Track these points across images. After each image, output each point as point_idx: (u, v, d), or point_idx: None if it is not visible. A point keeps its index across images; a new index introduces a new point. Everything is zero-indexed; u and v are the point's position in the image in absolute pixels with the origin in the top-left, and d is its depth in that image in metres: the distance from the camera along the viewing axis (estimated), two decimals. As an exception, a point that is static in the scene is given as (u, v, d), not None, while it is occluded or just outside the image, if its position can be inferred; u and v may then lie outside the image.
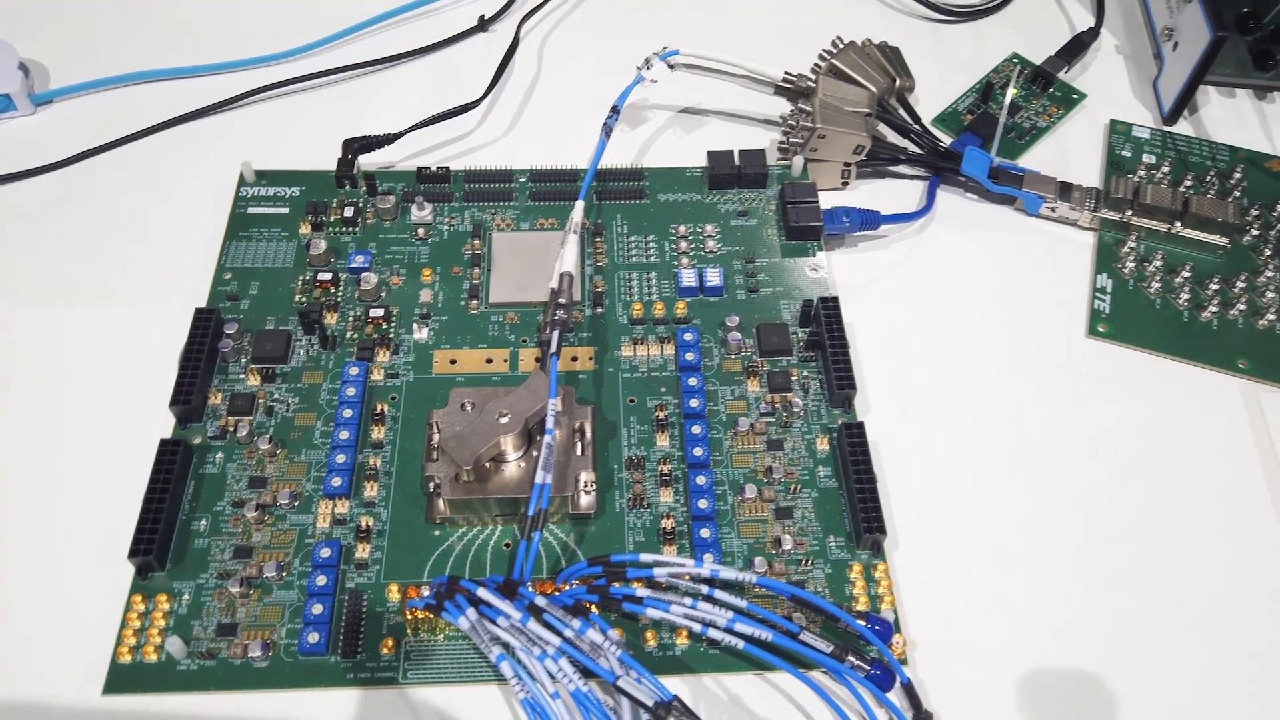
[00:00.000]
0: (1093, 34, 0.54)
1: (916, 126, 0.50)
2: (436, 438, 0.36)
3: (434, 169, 0.47)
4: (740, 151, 0.47)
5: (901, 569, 0.37)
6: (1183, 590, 0.37)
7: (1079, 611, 0.36)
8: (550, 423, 0.35)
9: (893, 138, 0.50)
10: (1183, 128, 0.51)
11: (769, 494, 0.38)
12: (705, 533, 0.36)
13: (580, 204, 0.43)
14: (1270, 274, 0.45)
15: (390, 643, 0.34)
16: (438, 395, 0.40)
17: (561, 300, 0.39)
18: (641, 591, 0.32)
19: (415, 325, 0.42)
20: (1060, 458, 0.40)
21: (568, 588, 0.33)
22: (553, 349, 0.37)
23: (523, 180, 0.47)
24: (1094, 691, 0.35)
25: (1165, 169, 0.49)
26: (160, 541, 0.35)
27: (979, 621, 0.36)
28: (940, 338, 0.44)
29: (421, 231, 0.45)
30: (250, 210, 0.45)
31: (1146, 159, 0.49)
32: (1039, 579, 0.37)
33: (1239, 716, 0.34)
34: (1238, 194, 0.48)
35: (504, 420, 0.36)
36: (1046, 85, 0.52)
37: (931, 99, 0.53)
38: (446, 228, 0.45)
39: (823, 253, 0.45)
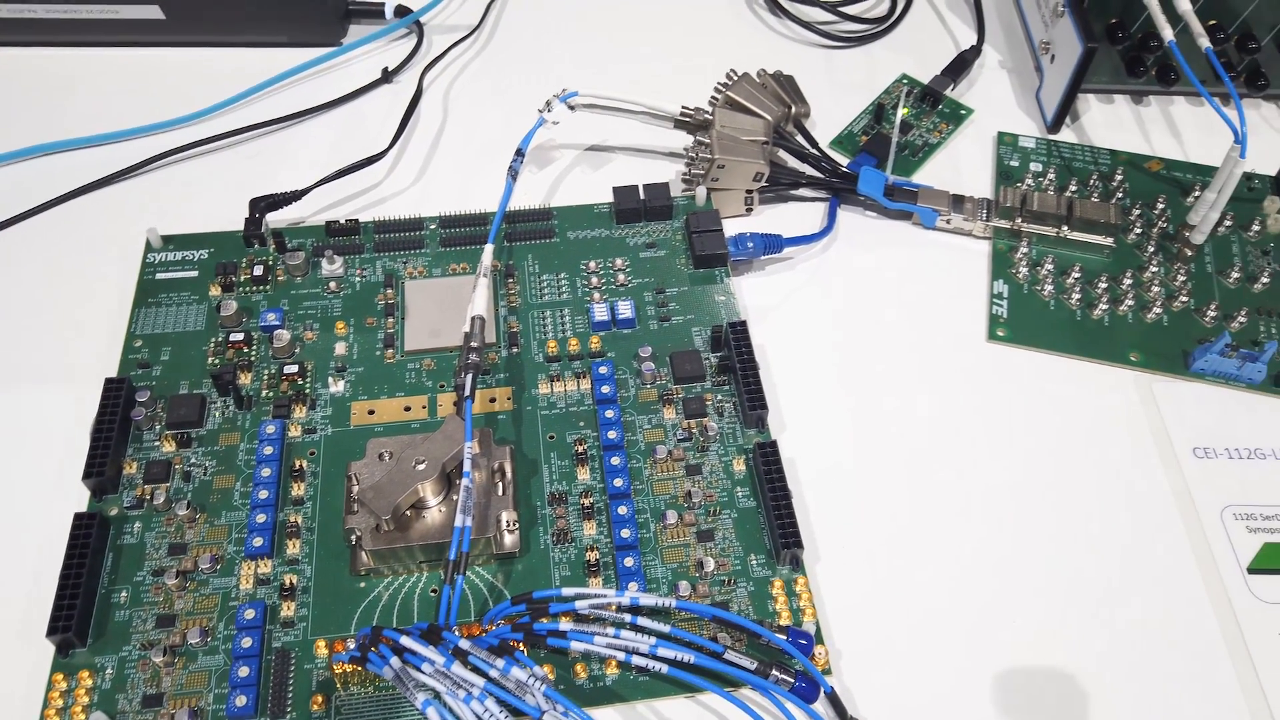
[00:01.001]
0: (975, 51, 0.56)
1: (814, 151, 0.51)
2: (355, 490, 0.37)
3: (343, 222, 0.47)
4: (644, 185, 0.48)
5: (825, 580, 0.38)
6: (1093, 578, 0.38)
7: (996, 608, 0.38)
8: (467, 466, 0.35)
9: (793, 163, 0.52)
10: (1066, 135, 0.54)
11: (690, 518, 0.39)
12: (629, 561, 0.37)
13: (489, 247, 0.44)
14: (1154, 269, 0.47)
15: (320, 699, 0.34)
16: (357, 447, 0.40)
17: (474, 344, 0.39)
18: (565, 625, 0.33)
19: (331, 379, 0.42)
20: (969, 459, 0.42)
21: (494, 628, 0.34)
22: (466, 393, 0.38)
23: (432, 227, 0.48)
24: (1016, 688, 0.36)
25: (1051, 176, 0.51)
26: (79, 617, 0.35)
27: (901, 625, 0.37)
28: (849, 352, 0.45)
29: (333, 285, 0.45)
30: (159, 276, 0.45)
31: (1033, 167, 0.52)
32: (956, 579, 0.38)
33: (1156, 695, 0.36)
34: (1120, 195, 0.50)
35: (421, 467, 0.36)
36: (935, 103, 0.54)
37: (828, 123, 0.54)
38: (358, 279, 0.46)
39: (731, 278, 0.46)
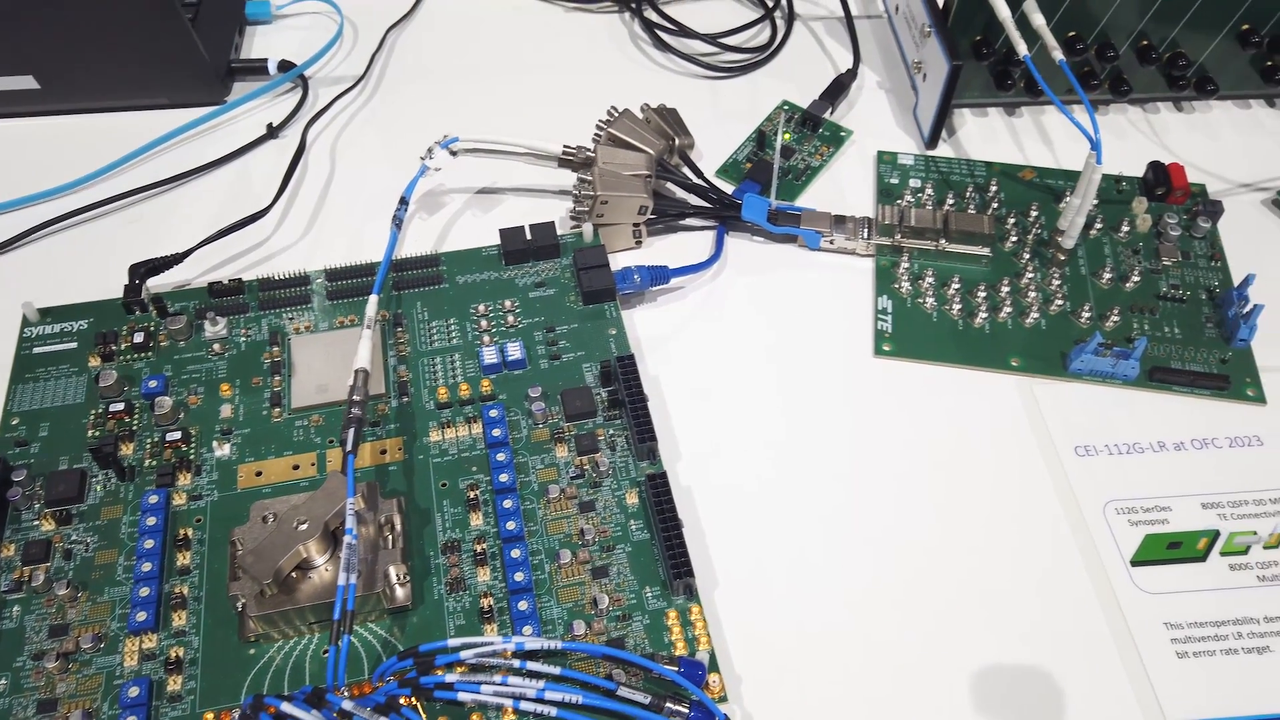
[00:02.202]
0: (851, 75, 0.58)
1: (700, 181, 0.52)
2: (237, 556, 0.36)
3: (226, 282, 0.47)
4: (531, 226, 0.48)
5: (725, 606, 0.39)
6: (985, 581, 0.39)
7: (892, 617, 0.38)
8: (350, 522, 0.35)
9: (680, 194, 0.52)
10: (943, 150, 0.55)
11: (584, 555, 0.39)
12: (523, 605, 0.37)
13: (374, 298, 0.43)
14: (1030, 275, 0.48)
15: (209, 774, 0.33)
16: (245, 511, 0.39)
17: (356, 397, 0.39)
18: (451, 677, 0.32)
19: (216, 443, 0.42)
20: (861, 474, 0.42)
21: (383, 685, 0.33)
22: (348, 447, 0.37)
23: (319, 281, 0.47)
24: (914, 693, 0.36)
25: (929, 191, 0.52)
26: (-47, 711, 0.34)
27: (800, 643, 0.38)
28: (741, 376, 0.46)
29: (217, 347, 0.45)
30: (35, 350, 0.44)
31: (912, 183, 0.53)
32: (853, 591, 0.39)
33: (1048, 690, 0.36)
34: (995, 205, 0.51)
35: (303, 528, 0.35)
36: (816, 126, 0.56)
37: (714, 152, 0.55)
38: (243, 339, 0.45)
39: (621, 312, 0.46)
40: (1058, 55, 0.47)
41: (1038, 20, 0.49)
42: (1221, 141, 0.56)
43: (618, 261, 0.50)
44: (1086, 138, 0.44)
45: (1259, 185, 0.53)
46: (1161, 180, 0.51)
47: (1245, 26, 0.54)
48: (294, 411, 0.43)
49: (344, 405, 0.42)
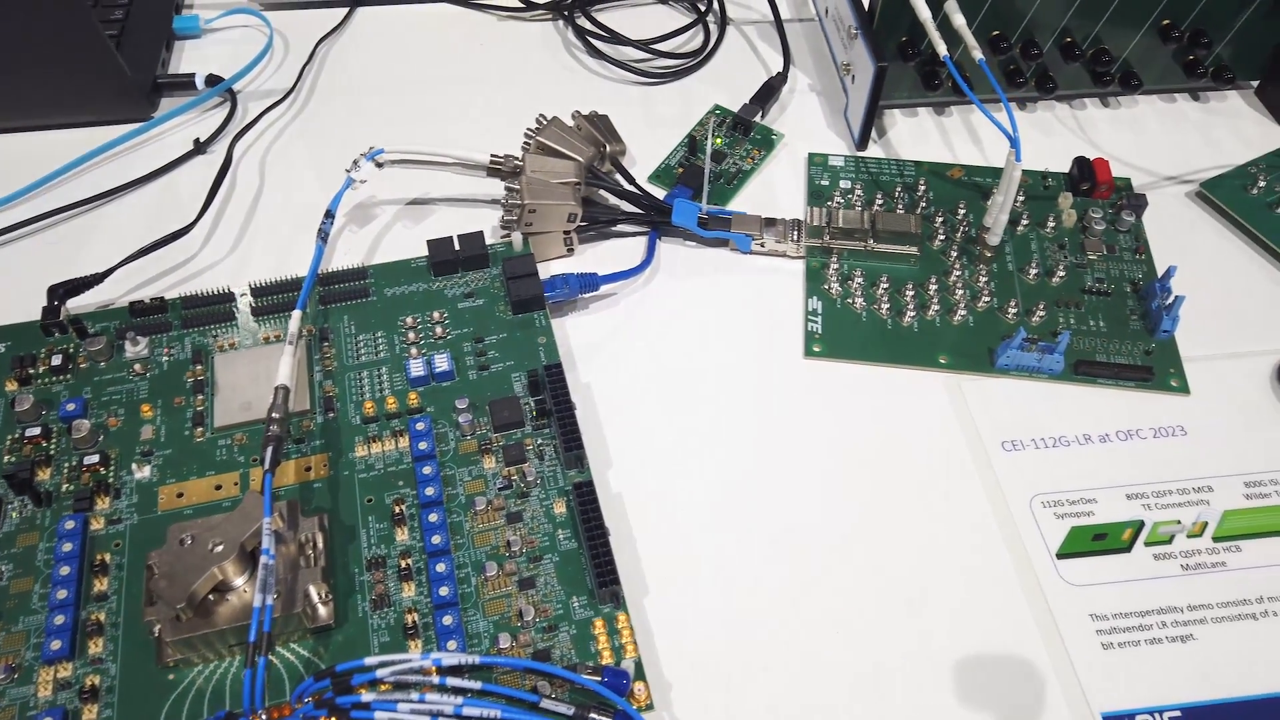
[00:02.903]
0: (782, 78, 0.58)
1: (631, 187, 0.52)
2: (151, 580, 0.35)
3: (148, 301, 0.46)
4: (459, 236, 0.48)
5: (654, 612, 0.39)
6: (915, 578, 0.39)
7: (825, 616, 0.38)
8: (266, 542, 0.35)
9: (613, 200, 0.52)
10: (874, 150, 0.56)
11: (511, 567, 0.38)
12: (448, 620, 0.36)
13: (297, 314, 0.43)
14: (958, 273, 0.48)
15: (124, 804, 0.32)
16: (165, 534, 0.39)
17: (275, 415, 0.39)
18: (368, 696, 0.32)
19: (136, 465, 0.41)
20: (792, 475, 0.42)
21: (300, 706, 0.33)
22: (266, 466, 0.37)
23: (244, 298, 0.47)
24: (846, 690, 0.36)
25: (859, 191, 0.52)
26: None
27: (732, 649, 0.37)
28: (674, 381, 0.46)
29: (139, 367, 0.44)
30: (-50, 376, 0.43)
31: (843, 184, 0.53)
32: (784, 591, 0.39)
33: (978, 683, 0.36)
34: (924, 204, 0.52)
35: (218, 549, 0.35)
36: (747, 130, 0.56)
37: (647, 157, 0.55)
38: (166, 359, 0.44)
39: (550, 320, 0.46)
40: (978, 55, 0.48)
41: (958, 20, 0.49)
42: (1147, 135, 0.56)
43: (549, 269, 0.50)
44: (1006, 136, 0.45)
45: (1183, 178, 0.54)
46: (1087, 175, 0.52)
47: (1165, 22, 0.54)
48: (217, 430, 0.42)
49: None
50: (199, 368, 0.44)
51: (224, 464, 0.41)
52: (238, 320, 0.46)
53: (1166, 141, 0.56)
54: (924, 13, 0.49)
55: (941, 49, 0.48)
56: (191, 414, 0.43)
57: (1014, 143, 0.44)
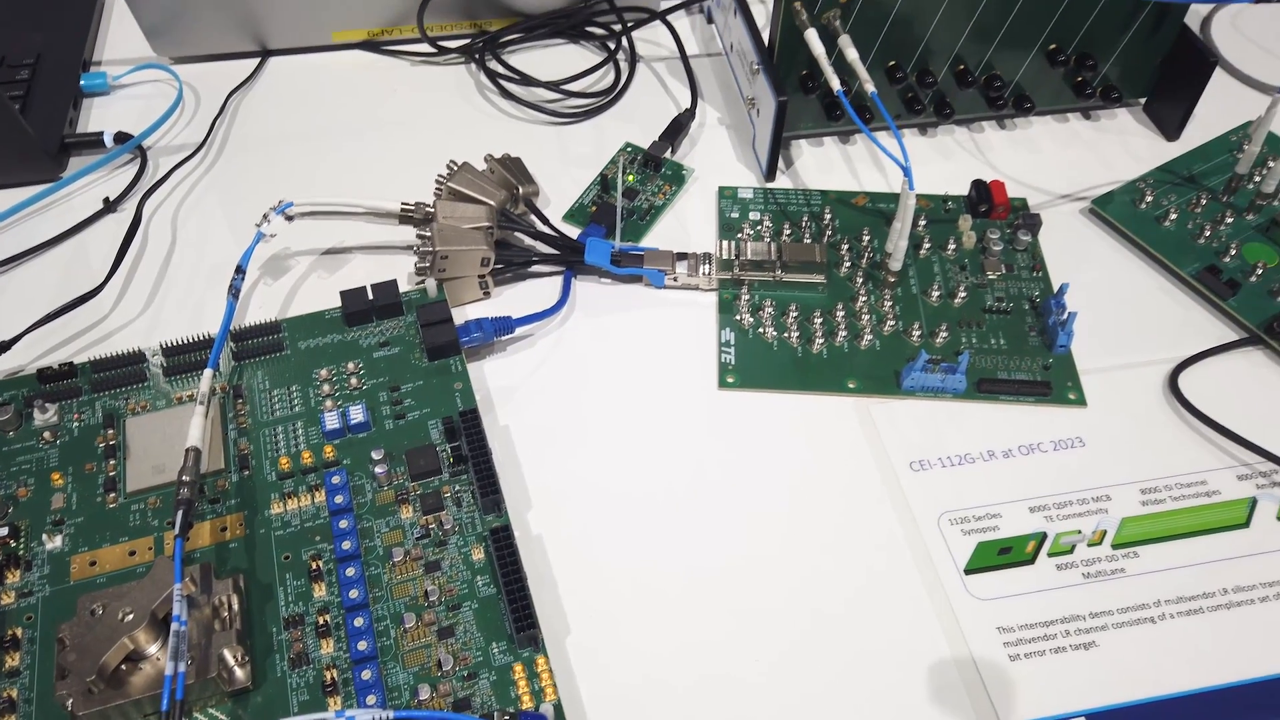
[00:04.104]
0: (690, 114, 0.59)
1: (545, 228, 0.53)
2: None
3: (57, 367, 0.45)
4: (372, 285, 0.48)
5: (576, 653, 0.39)
6: (830, 601, 0.40)
7: (742, 644, 0.39)
8: (178, 609, 0.34)
9: (528, 241, 0.53)
10: (782, 181, 0.57)
11: (430, 617, 0.38)
12: (366, 674, 0.36)
13: (208, 373, 0.43)
14: (864, 298, 0.50)
15: None
16: (76, 604, 0.38)
17: (185, 477, 0.39)
18: (282, 758, 0.32)
19: (47, 535, 0.40)
20: (712, 506, 0.43)
21: (216, 773, 0.33)
22: (177, 530, 0.37)
23: (155, 358, 0.46)
24: (767, 716, 0.37)
25: (768, 222, 0.54)
26: None
27: (652, 686, 0.38)
28: (591, 419, 0.46)
29: (48, 435, 0.43)
30: None
31: (752, 216, 0.54)
32: (703, 621, 0.40)
33: (892, 701, 0.37)
34: (830, 232, 0.53)
35: (128, 619, 0.35)
36: (658, 167, 0.57)
37: (561, 197, 0.56)
38: (76, 424, 0.44)
39: (466, 365, 0.47)
40: (870, 89, 0.49)
41: (851, 55, 0.51)
42: (1042, 155, 0.59)
43: (465, 313, 0.50)
44: (897, 164, 0.46)
45: (1076, 195, 0.56)
46: (984, 197, 0.54)
47: (1052, 46, 0.57)
48: (130, 495, 0.42)
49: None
50: (110, 432, 0.44)
51: (137, 529, 0.41)
52: (149, 381, 0.46)
53: (1060, 160, 0.58)
54: (818, 49, 0.51)
55: (835, 84, 0.50)
56: (103, 480, 0.42)
57: (906, 171, 0.46)
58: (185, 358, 0.46)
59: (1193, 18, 0.67)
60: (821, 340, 0.48)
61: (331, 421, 0.44)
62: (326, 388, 0.46)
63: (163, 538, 0.41)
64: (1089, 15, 0.55)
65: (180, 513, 0.37)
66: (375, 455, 0.43)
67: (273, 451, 0.43)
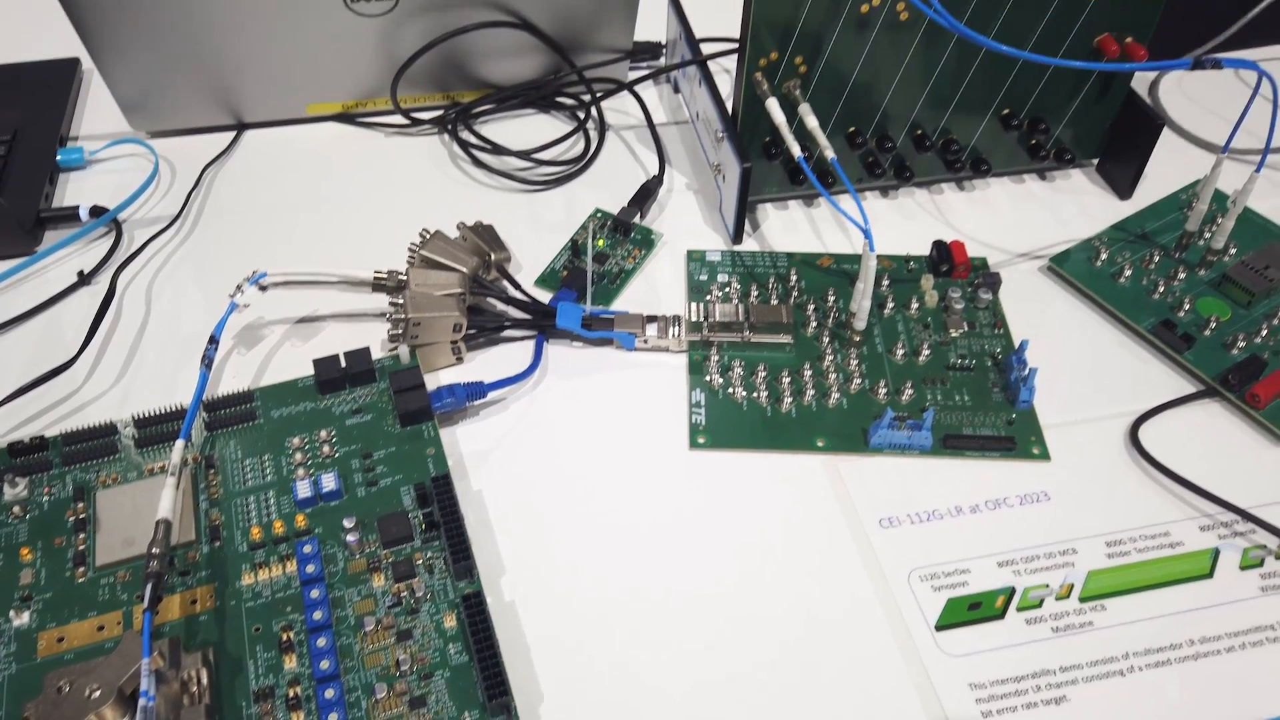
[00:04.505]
0: (658, 181, 0.61)
1: (517, 293, 0.54)
2: (27, 732, 0.35)
3: (28, 441, 0.45)
4: (345, 353, 0.49)
5: (553, 718, 0.39)
6: (802, 658, 0.40)
7: (717, 701, 0.39)
8: (145, 684, 0.34)
9: (501, 307, 0.54)
10: (749, 244, 0.58)
11: (401, 687, 0.38)
12: (337, 747, 0.36)
13: (179, 444, 0.43)
14: (830, 357, 0.51)
15: None
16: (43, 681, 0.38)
17: (155, 550, 0.39)
18: (249, 836, 0.31)
19: (14, 612, 0.40)
20: (685, 567, 0.43)
21: None
22: (145, 604, 0.37)
23: (127, 430, 0.46)
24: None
25: (736, 284, 0.55)
26: None
27: (620, 753, 0.38)
28: (563, 483, 0.47)
29: (17, 509, 0.43)
30: None
31: (720, 278, 0.56)
32: (680, 681, 0.39)
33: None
34: (796, 293, 0.54)
35: (95, 695, 0.34)
36: (627, 231, 0.58)
37: (532, 262, 0.57)
38: (46, 498, 0.44)
39: (439, 431, 0.47)
40: (830, 155, 0.51)
41: (811, 123, 0.53)
42: (1000, 215, 0.60)
43: (438, 379, 0.51)
44: (857, 226, 0.48)
45: (1035, 253, 0.58)
46: (945, 257, 0.55)
47: (1005, 111, 0.59)
48: (99, 569, 0.42)
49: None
50: (81, 505, 0.44)
51: (106, 604, 0.41)
52: (121, 453, 0.46)
53: (1018, 220, 0.60)
54: (779, 117, 0.53)
55: (796, 151, 0.51)
56: (73, 554, 0.42)
57: (866, 234, 0.47)
58: (157, 429, 0.47)
59: (1141, 82, 0.70)
60: (790, 399, 0.49)
61: (303, 490, 0.44)
62: (299, 456, 0.46)
63: (132, 612, 0.40)
64: (1038, 82, 0.57)
65: (149, 586, 0.37)
66: (347, 523, 0.43)
67: (244, 521, 0.43)
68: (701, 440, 0.48)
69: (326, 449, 0.46)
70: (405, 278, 0.51)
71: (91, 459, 0.45)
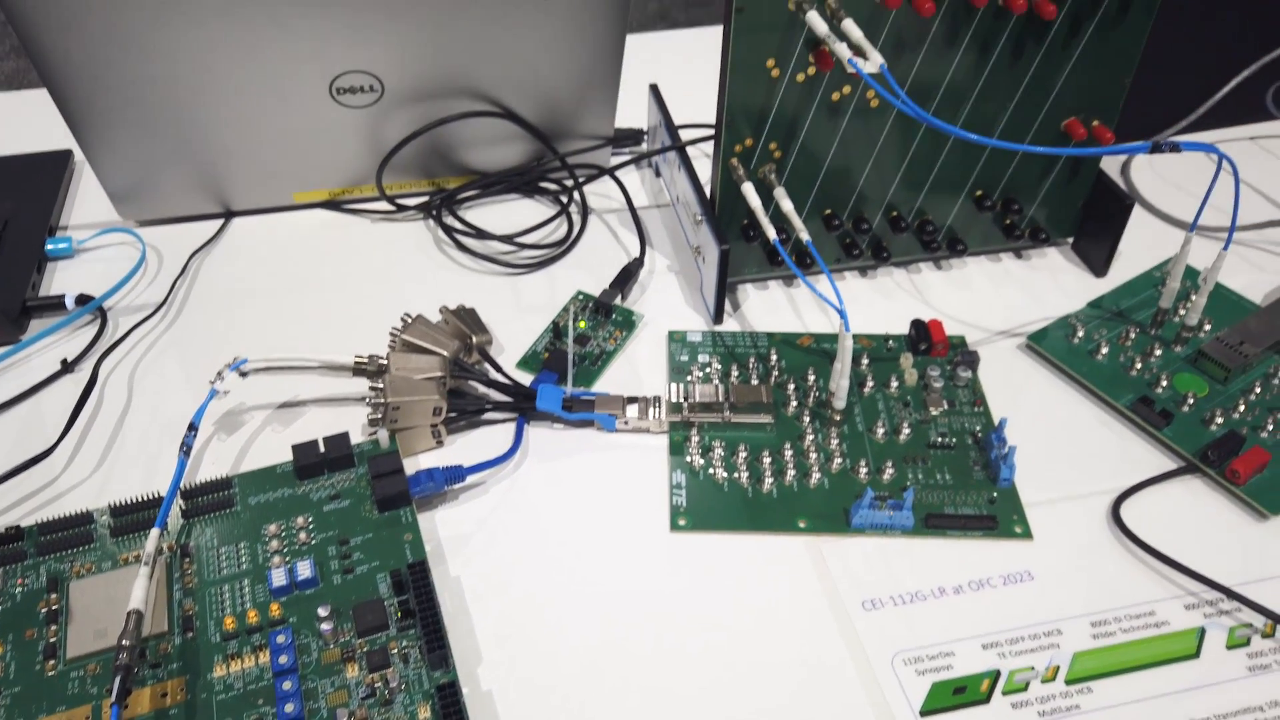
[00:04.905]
0: (639, 263, 0.62)
1: (498, 375, 0.54)
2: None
3: (3, 531, 0.45)
4: (324, 438, 0.49)
5: (527, 817, 0.38)
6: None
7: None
8: (107, 783, 0.33)
9: (482, 389, 0.54)
10: (729, 324, 0.59)
11: (373, 783, 0.37)
12: None
13: (154, 532, 0.43)
14: (811, 437, 0.51)
15: None
16: (3, 781, 0.37)
17: (125, 642, 0.38)
18: None
19: (-22, 708, 0.39)
20: (666, 651, 0.43)
21: None
22: (113, 698, 0.36)
23: (103, 519, 0.46)
24: None
25: (716, 365, 0.55)
26: None
27: None
28: (542, 567, 0.46)
29: (-12, 601, 0.43)
30: None
31: (701, 359, 0.56)
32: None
33: None
34: (776, 373, 0.55)
35: (54, 796, 0.33)
36: (609, 313, 0.59)
37: (514, 344, 0.58)
38: (19, 590, 0.43)
39: (417, 516, 0.47)
40: (805, 237, 0.52)
41: (787, 206, 0.54)
42: (977, 294, 0.61)
43: (419, 462, 0.51)
44: (833, 307, 0.48)
45: (1012, 331, 0.58)
46: (923, 336, 0.56)
47: (979, 193, 0.60)
48: (69, 662, 0.41)
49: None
50: (54, 596, 0.43)
51: (75, 697, 0.40)
52: (96, 543, 0.45)
53: (995, 298, 0.61)
54: (754, 201, 0.54)
55: (772, 234, 0.52)
56: (43, 646, 0.41)
57: (842, 314, 0.48)
58: (133, 517, 0.46)
59: (1113, 162, 0.71)
60: (771, 479, 0.49)
61: (278, 579, 0.43)
62: (275, 544, 0.45)
63: (101, 706, 0.40)
64: (1010, 164, 0.59)
65: (117, 679, 0.37)
66: (322, 612, 0.42)
67: (218, 611, 0.43)
68: (682, 522, 0.48)
69: (303, 535, 0.46)
70: (385, 362, 0.52)
71: (66, 548, 0.45)
